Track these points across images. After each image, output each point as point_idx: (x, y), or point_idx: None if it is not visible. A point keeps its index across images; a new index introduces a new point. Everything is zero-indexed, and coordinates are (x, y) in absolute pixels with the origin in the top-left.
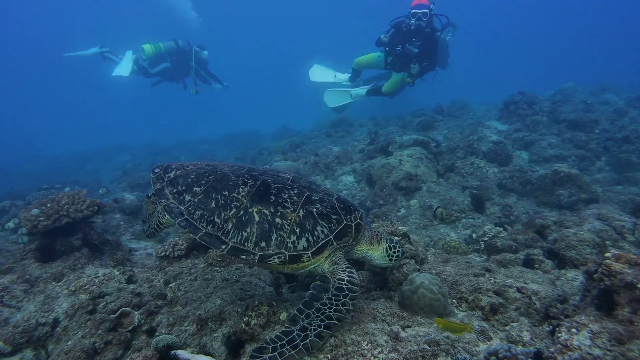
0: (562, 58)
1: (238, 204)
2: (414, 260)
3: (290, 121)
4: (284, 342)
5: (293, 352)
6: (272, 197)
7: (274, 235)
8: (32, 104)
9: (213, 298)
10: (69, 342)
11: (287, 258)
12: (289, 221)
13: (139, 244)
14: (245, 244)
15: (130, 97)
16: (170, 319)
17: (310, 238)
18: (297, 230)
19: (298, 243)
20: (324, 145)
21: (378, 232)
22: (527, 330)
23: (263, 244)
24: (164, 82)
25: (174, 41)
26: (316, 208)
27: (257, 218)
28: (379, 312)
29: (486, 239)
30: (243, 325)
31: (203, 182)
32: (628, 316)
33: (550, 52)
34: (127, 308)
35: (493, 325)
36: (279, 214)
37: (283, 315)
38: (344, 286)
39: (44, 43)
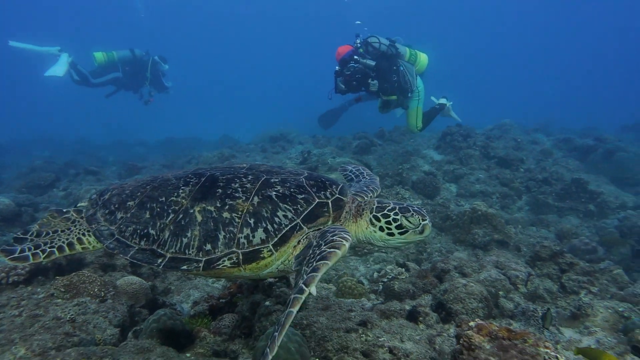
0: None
1: (177, 208)
2: None
3: (236, 131)
4: None
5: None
6: (218, 190)
7: (221, 233)
8: None
9: (18, 345)
10: None
11: (240, 258)
12: (239, 213)
13: None
14: (186, 251)
15: (67, 90)
16: None
17: (269, 227)
18: (251, 221)
19: (253, 236)
20: (254, 160)
21: (365, 201)
22: None
23: (208, 247)
24: (120, 91)
25: (130, 50)
26: (276, 191)
27: (199, 218)
28: None
29: (386, 280)
30: None
31: (138, 194)
32: None
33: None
34: None
35: None
36: (226, 207)
37: None
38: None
39: None
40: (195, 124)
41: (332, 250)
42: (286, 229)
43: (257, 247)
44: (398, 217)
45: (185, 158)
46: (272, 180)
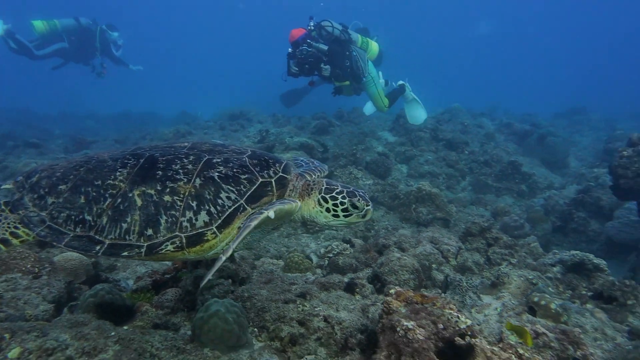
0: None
1: (114, 192)
2: (230, 280)
3: (196, 108)
4: None
5: None
6: (158, 172)
7: (163, 217)
8: None
9: None
10: None
11: (184, 241)
12: (181, 196)
13: None
14: (127, 237)
15: (9, 57)
16: None
17: (212, 209)
18: (194, 204)
19: (196, 219)
20: (212, 138)
21: (315, 181)
22: None
23: (150, 232)
24: (69, 64)
25: (75, 19)
26: (218, 172)
27: (139, 202)
28: (152, 346)
29: (331, 255)
30: None
31: (71, 176)
32: None
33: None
34: None
35: (289, 358)
36: (167, 190)
37: (13, 353)
38: None
39: None
40: (153, 98)
41: (259, 214)
42: (230, 210)
43: (200, 230)
44: (345, 201)
45: (140, 133)
46: (215, 160)
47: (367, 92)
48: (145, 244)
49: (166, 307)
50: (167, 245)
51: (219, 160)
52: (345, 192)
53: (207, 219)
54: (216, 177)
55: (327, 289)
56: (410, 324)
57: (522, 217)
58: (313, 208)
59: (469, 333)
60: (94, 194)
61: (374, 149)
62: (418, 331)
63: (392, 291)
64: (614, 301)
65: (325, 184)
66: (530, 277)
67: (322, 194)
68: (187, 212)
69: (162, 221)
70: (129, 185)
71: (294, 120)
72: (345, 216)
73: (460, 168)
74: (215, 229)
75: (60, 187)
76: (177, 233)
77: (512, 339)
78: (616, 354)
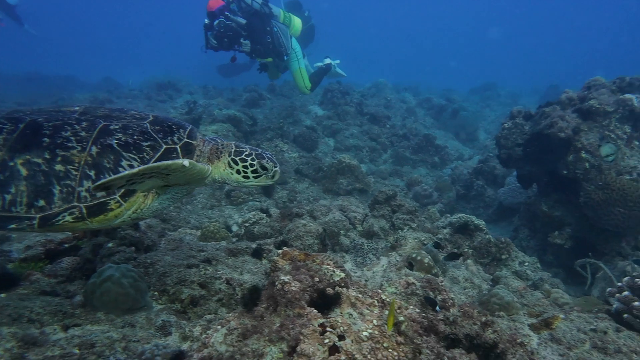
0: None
1: None
2: (134, 248)
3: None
4: None
5: None
6: (45, 139)
7: (57, 187)
8: None
9: None
10: None
11: (84, 212)
12: (76, 165)
13: None
14: (12, 208)
15: None
16: None
17: None
18: (92, 173)
19: None
20: (136, 107)
21: (223, 143)
22: (201, 325)
23: (42, 203)
24: None
25: None
26: (117, 139)
27: (24, 172)
28: (31, 311)
29: (247, 224)
30: None
31: None
32: (262, 312)
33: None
34: None
35: (189, 318)
36: (59, 159)
37: None
38: None
39: None
40: (73, 60)
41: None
42: None
43: (102, 200)
44: (254, 162)
45: (52, 99)
46: (112, 127)
47: (290, 70)
48: (37, 216)
49: (61, 275)
50: (65, 216)
51: (116, 126)
52: (254, 154)
53: None
54: (115, 145)
55: (235, 254)
56: (287, 278)
57: (432, 187)
58: (224, 170)
59: (342, 284)
60: None
61: (302, 123)
62: (293, 284)
63: (279, 251)
64: (490, 256)
65: (234, 147)
66: (422, 238)
67: (232, 156)
68: (85, 182)
69: (56, 192)
70: (8, 153)
71: (226, 92)
72: (255, 177)
73: (382, 141)
74: (119, 198)
75: None
76: (75, 203)
77: (389, 290)
78: (476, 298)
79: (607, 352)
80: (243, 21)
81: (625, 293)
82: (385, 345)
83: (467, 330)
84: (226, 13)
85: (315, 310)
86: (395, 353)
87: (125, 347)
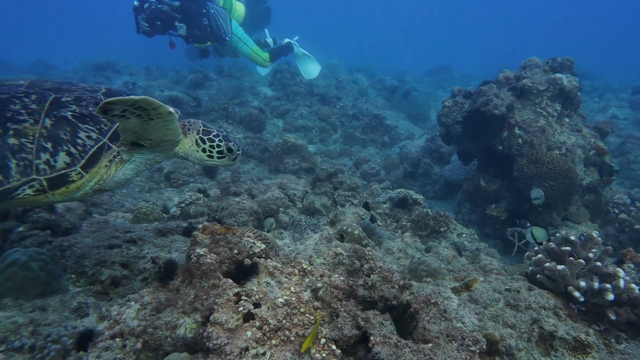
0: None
1: None
2: (49, 231)
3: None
4: None
5: None
6: None
7: (12, 161)
8: None
9: None
10: None
11: (45, 184)
12: (30, 138)
13: None
14: None
15: None
16: None
17: (72, 150)
18: (49, 145)
19: (55, 161)
20: None
21: (190, 121)
22: (119, 304)
23: None
24: None
25: None
26: (71, 110)
27: None
28: None
29: (183, 205)
30: None
31: None
32: (177, 285)
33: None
34: None
35: (111, 299)
36: (11, 132)
37: None
38: None
39: None
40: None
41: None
42: (93, 149)
43: (62, 172)
44: (222, 144)
45: None
46: (64, 99)
47: (241, 53)
48: None
49: None
50: (25, 189)
51: (69, 98)
52: (221, 136)
53: (67, 160)
54: (69, 117)
55: (164, 234)
56: (202, 251)
57: (380, 165)
58: (190, 147)
59: (262, 255)
60: None
61: (250, 104)
62: (209, 256)
63: (200, 226)
64: (428, 228)
65: (202, 126)
66: (361, 213)
67: (200, 135)
68: (43, 155)
69: (12, 165)
70: None
71: (170, 74)
72: (219, 157)
73: (332, 122)
74: (80, 169)
75: None
76: (34, 176)
77: (317, 261)
78: (407, 266)
79: (518, 309)
80: (176, 3)
81: (539, 256)
82: (302, 310)
83: (385, 294)
84: None
85: (230, 281)
86: (311, 317)
87: (34, 331)
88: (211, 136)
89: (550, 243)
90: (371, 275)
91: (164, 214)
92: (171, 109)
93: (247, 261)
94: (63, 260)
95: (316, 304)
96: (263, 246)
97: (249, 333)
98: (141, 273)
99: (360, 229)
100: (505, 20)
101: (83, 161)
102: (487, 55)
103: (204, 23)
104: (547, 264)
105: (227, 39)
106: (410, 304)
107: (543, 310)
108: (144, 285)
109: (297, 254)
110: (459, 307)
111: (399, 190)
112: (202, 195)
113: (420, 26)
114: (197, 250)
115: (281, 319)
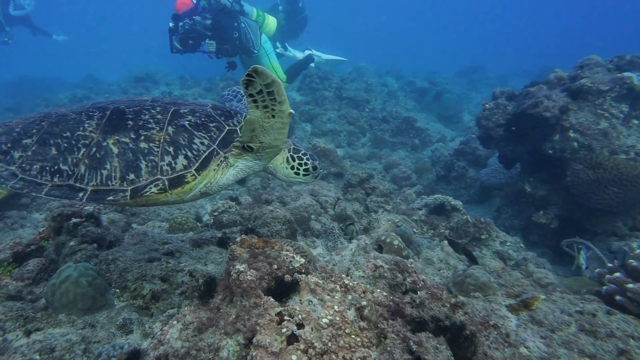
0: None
1: (87, 142)
2: (95, 245)
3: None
4: None
5: None
6: (129, 122)
7: (143, 162)
8: None
9: None
10: None
11: (166, 184)
12: (157, 142)
13: None
14: (109, 182)
15: None
16: None
17: (189, 154)
18: (171, 149)
19: (175, 163)
20: None
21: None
22: (161, 321)
23: (132, 176)
24: None
25: None
26: (188, 120)
27: (116, 150)
28: None
29: (216, 213)
30: None
31: (34, 131)
32: (218, 304)
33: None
34: None
35: (152, 314)
36: (142, 137)
37: None
38: None
39: None
40: (59, 62)
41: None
42: (205, 154)
43: (180, 173)
44: (309, 163)
45: (36, 101)
46: (182, 110)
47: (260, 63)
48: (129, 188)
49: (27, 278)
50: (151, 187)
51: (185, 110)
52: (308, 155)
53: (185, 162)
54: (187, 125)
55: (200, 245)
56: (242, 267)
57: (411, 169)
58: (281, 163)
59: (302, 271)
60: (66, 145)
61: None
62: (249, 273)
63: (237, 239)
64: (468, 236)
65: (292, 144)
66: (396, 220)
67: (291, 153)
68: (166, 157)
69: (143, 166)
70: (101, 135)
71: (203, 82)
72: (304, 175)
73: (361, 125)
74: (194, 172)
75: (25, 141)
76: (159, 176)
77: (356, 274)
78: (451, 279)
79: (597, 336)
80: (208, 22)
81: (618, 274)
82: (347, 331)
83: (435, 313)
84: (194, 17)
85: (272, 299)
86: (358, 339)
87: (85, 349)
88: (300, 154)
89: (631, 260)
90: (418, 292)
91: (198, 223)
92: (291, 110)
93: (288, 277)
94: (108, 275)
95: (362, 324)
96: (302, 260)
97: (294, 357)
98: (179, 287)
99: (399, 239)
100: (544, 18)
101: (197, 164)
102: (524, 55)
103: (234, 36)
104: (631, 285)
105: (255, 52)
106: (465, 325)
107: (632, 340)
108: (182, 300)
109: (334, 265)
110: (519, 329)
111: (436, 196)
112: (234, 203)
113: (450, 26)
114: (237, 267)
115: (326, 341)
